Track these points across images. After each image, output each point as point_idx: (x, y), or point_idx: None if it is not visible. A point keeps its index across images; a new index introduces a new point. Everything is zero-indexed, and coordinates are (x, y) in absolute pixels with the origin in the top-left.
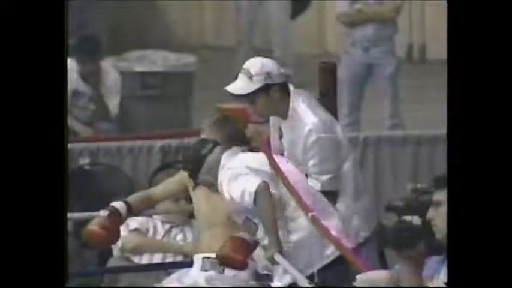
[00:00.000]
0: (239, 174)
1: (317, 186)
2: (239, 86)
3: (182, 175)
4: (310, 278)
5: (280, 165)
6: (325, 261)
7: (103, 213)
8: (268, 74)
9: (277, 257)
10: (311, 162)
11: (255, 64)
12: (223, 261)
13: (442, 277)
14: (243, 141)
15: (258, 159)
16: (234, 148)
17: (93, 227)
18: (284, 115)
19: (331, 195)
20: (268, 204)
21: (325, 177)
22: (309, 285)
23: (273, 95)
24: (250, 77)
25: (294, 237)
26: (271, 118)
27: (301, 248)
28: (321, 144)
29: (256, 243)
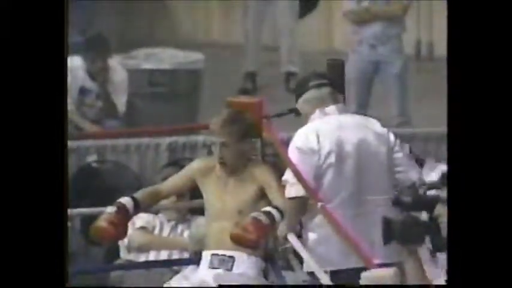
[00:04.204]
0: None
1: None
2: None
3: (190, 169)
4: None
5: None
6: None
7: (110, 209)
8: None
9: (291, 237)
10: None
11: None
12: (236, 242)
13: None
14: (255, 135)
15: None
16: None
17: (101, 222)
18: None
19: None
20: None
21: None
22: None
23: None
24: None
25: (312, 234)
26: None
27: (320, 244)
28: None
29: (271, 225)
